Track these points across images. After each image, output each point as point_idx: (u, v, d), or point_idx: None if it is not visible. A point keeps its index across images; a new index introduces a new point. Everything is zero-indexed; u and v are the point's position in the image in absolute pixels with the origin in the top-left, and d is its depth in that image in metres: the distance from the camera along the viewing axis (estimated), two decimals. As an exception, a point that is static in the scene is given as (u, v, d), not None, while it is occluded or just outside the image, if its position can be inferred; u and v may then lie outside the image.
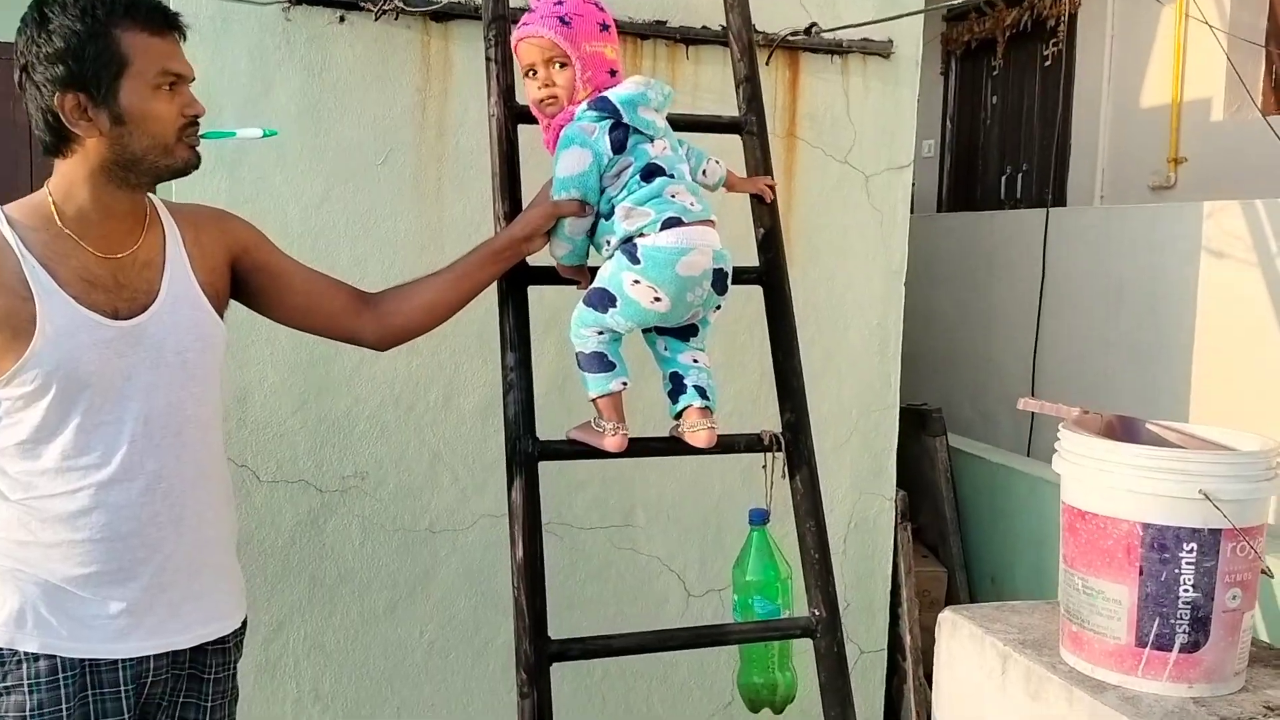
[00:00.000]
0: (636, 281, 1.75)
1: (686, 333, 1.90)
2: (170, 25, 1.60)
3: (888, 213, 3.19)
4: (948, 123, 6.34)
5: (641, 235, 1.77)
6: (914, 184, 3.36)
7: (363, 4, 2.70)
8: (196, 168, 1.66)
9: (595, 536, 3.06)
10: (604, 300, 1.79)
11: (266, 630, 2.82)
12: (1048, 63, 5.50)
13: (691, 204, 1.79)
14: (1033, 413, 4.23)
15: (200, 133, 1.65)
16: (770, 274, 2.12)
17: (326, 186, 2.78)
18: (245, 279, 1.80)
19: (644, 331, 1.91)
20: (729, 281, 1.83)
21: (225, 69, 2.67)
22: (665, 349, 1.91)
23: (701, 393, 1.88)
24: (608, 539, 3.07)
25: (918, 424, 3.80)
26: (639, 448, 1.91)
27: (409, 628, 2.95)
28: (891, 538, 3.28)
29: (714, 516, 3.14)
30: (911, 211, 3.32)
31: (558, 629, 1.79)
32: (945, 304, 4.85)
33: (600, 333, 1.82)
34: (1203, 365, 3.47)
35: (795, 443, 2.04)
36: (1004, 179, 5.78)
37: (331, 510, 2.86)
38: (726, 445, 1.97)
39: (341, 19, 2.73)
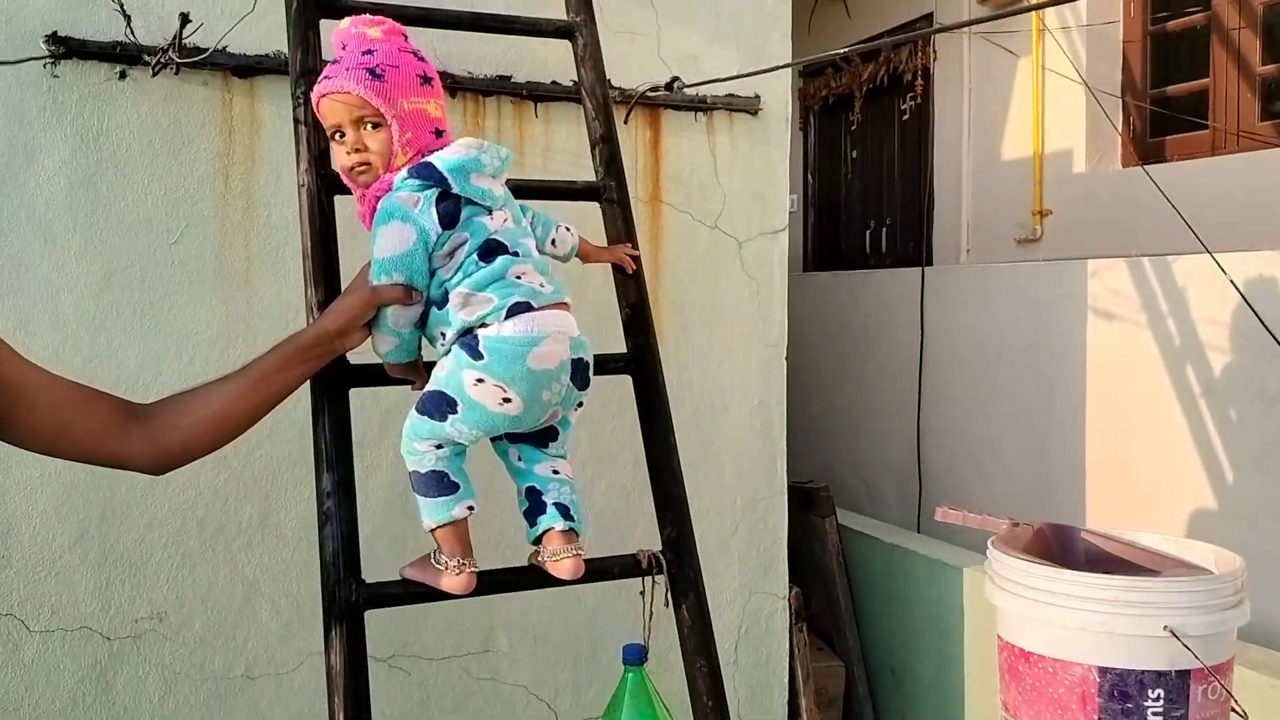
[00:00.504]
0: (480, 380, 1.44)
1: (544, 437, 1.59)
2: None
3: (764, 280, 2.91)
4: (809, 177, 6.21)
5: (483, 325, 1.46)
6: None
7: (146, 58, 2.27)
8: None
9: (449, 668, 2.64)
10: (441, 406, 1.47)
11: (44, 816, 2.30)
12: (906, 116, 5.42)
13: (541, 285, 1.49)
14: (920, 483, 4.02)
15: None
16: (640, 360, 1.84)
17: (107, 271, 2.32)
18: None
19: (493, 440, 1.58)
20: (591, 373, 1.53)
21: (-27, 135, 2.21)
22: (519, 459, 1.60)
23: (564, 512, 1.57)
24: (464, 669, 2.65)
25: (804, 504, 3.51)
26: (490, 584, 1.58)
27: (227, 795, 2.46)
28: (786, 641, 2.95)
29: (587, 633, 2.76)
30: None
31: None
32: (820, 369, 4.62)
33: (439, 446, 1.49)
34: (1095, 426, 3.30)
35: (679, 564, 1.75)
36: (868, 234, 5.65)
37: (123, 660, 2.37)
38: (597, 571, 1.65)
39: (122, 75, 2.30)
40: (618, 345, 1.80)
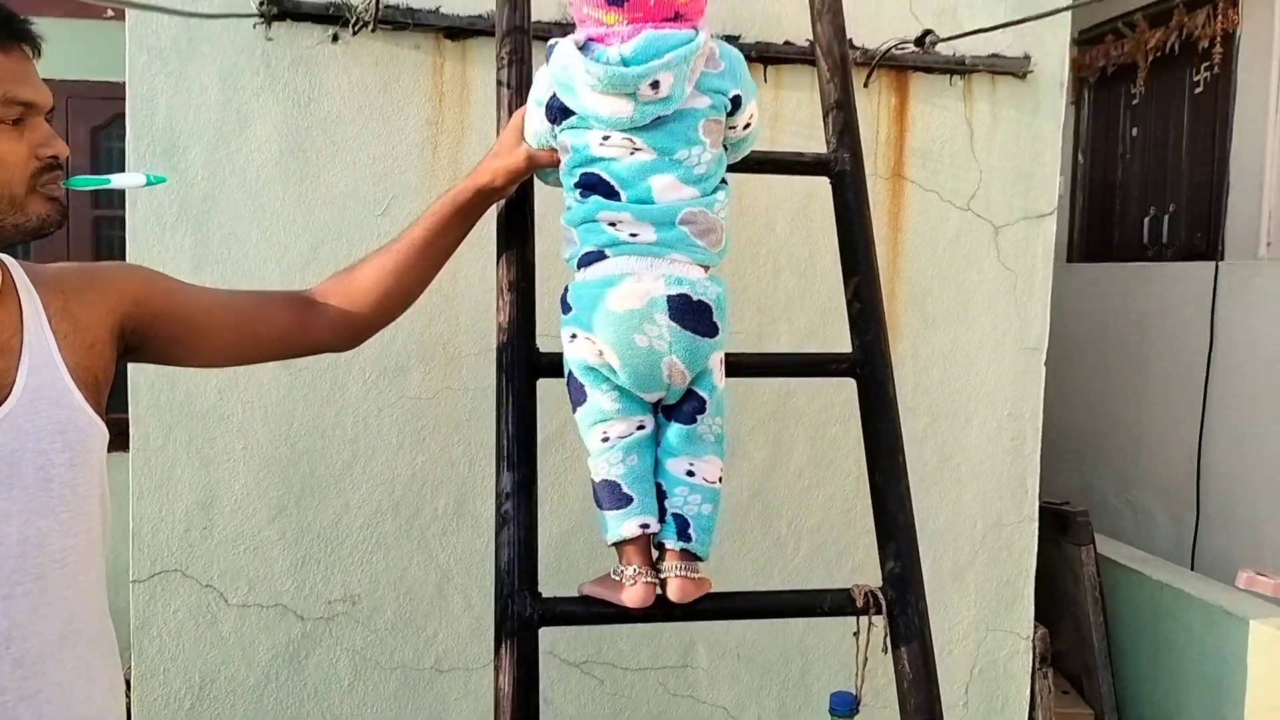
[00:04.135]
0: (574, 336, 1.28)
1: (692, 410, 1.30)
2: (16, 36, 1.16)
3: (1023, 273, 2.52)
4: (1079, 157, 5.59)
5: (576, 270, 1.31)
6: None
7: (355, 17, 2.17)
8: (58, 225, 1.23)
9: (645, 680, 2.45)
10: (570, 381, 1.33)
11: (235, 790, 2.29)
12: (1199, 89, 4.78)
13: (634, 235, 1.25)
14: (1198, 511, 3.48)
15: (64, 180, 1.23)
16: (867, 363, 1.55)
17: (314, 243, 2.26)
18: (147, 335, 1.35)
19: None
20: (715, 318, 1.26)
21: (191, 101, 2.19)
22: (662, 441, 1.33)
23: (681, 528, 1.30)
24: (660, 683, 2.45)
25: (1057, 528, 3.08)
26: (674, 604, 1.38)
27: (411, 789, 2.38)
28: (1028, 687, 2.57)
29: (797, 655, 2.50)
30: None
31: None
32: (1083, 373, 4.11)
33: (605, 438, 1.29)
34: None
35: (901, 604, 1.47)
36: (1146, 222, 5.02)
37: (315, 642, 2.32)
38: (803, 607, 1.54)
39: (335, 38, 2.22)
40: (839, 341, 1.55)
